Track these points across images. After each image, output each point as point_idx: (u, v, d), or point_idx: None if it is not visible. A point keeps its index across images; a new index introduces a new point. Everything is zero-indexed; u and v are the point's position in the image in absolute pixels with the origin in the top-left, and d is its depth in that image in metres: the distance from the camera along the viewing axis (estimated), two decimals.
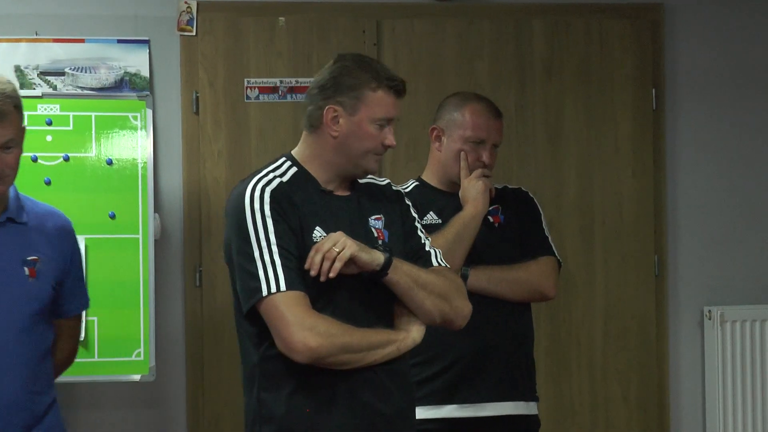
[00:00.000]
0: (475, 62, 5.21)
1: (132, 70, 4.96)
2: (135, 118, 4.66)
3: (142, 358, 4.59)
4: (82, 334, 4.48)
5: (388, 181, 3.18)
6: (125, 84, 4.94)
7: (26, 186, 4.37)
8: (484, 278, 3.68)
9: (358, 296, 2.95)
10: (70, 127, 4.61)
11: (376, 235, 3.02)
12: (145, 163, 4.65)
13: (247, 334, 2.98)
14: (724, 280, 5.37)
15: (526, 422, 3.80)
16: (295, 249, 2.89)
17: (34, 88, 4.84)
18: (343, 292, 2.92)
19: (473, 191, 3.69)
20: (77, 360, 4.43)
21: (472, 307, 3.07)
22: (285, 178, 2.98)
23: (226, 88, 5.06)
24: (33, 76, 4.89)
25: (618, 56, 5.29)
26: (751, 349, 5.27)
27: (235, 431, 4.98)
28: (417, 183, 3.83)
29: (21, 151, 3.18)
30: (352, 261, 2.87)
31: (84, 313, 4.42)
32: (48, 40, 4.91)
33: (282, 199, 2.92)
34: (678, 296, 5.35)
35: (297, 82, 5.08)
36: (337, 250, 2.85)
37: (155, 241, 4.68)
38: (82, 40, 4.94)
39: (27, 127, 4.45)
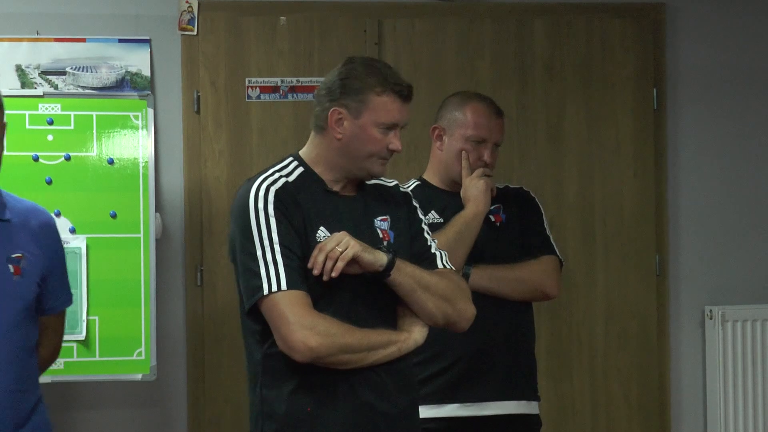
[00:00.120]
0: (476, 62, 5.21)
1: (133, 70, 4.96)
2: (136, 117, 4.66)
3: (143, 357, 4.59)
4: (83, 334, 4.50)
5: (396, 182, 3.18)
6: (126, 83, 4.94)
7: (27, 185, 4.45)
8: (485, 277, 3.67)
9: (361, 296, 2.95)
10: (71, 127, 4.61)
11: (381, 236, 3.03)
12: (146, 162, 4.65)
13: (250, 331, 2.98)
14: (725, 279, 5.37)
15: (528, 422, 3.79)
16: (298, 248, 2.89)
17: (36, 88, 4.85)
18: (345, 293, 2.93)
19: (474, 190, 3.69)
20: (78, 359, 4.49)
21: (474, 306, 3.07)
22: (291, 178, 2.98)
23: (227, 87, 5.06)
24: (34, 75, 4.89)
25: (619, 56, 5.29)
26: (753, 349, 5.27)
27: (235, 430, 4.98)
28: (418, 182, 3.82)
29: (3, 149, 3.16)
30: (355, 261, 2.88)
31: (85, 312, 4.48)
32: (49, 40, 4.92)
33: (286, 198, 2.92)
34: (679, 296, 5.35)
35: (298, 81, 5.08)
36: (340, 249, 2.86)
37: (156, 240, 4.68)
38: (83, 40, 4.94)
39: (29, 127, 4.54)
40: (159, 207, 4.88)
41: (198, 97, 5.03)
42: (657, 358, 5.31)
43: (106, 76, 4.93)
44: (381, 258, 2.91)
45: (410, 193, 3.19)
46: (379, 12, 5.18)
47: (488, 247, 3.73)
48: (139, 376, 4.61)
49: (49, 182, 4.56)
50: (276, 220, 2.89)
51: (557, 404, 5.19)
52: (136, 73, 4.97)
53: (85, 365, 4.54)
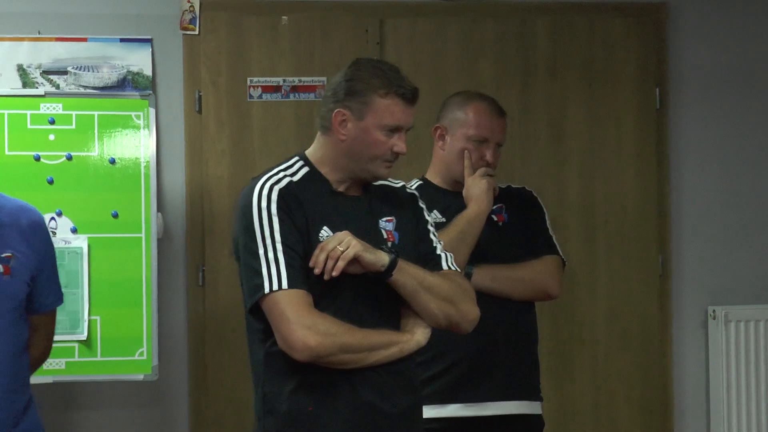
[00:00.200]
0: (478, 61, 5.21)
1: (134, 69, 4.97)
2: (138, 117, 4.65)
3: (144, 357, 4.58)
4: (85, 334, 4.49)
5: (403, 183, 3.19)
6: (128, 83, 4.95)
7: (29, 185, 4.46)
8: (488, 277, 3.66)
9: (363, 297, 2.95)
10: (73, 126, 4.60)
11: (385, 236, 3.02)
12: (147, 162, 4.64)
13: (253, 330, 2.98)
14: (728, 279, 5.36)
15: (530, 422, 3.78)
16: (300, 248, 2.89)
17: (37, 87, 4.86)
18: (347, 292, 2.92)
19: (477, 190, 3.68)
20: (80, 359, 4.48)
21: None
22: (296, 178, 2.98)
23: (229, 87, 5.05)
24: (36, 75, 4.90)
25: (622, 55, 5.29)
26: (756, 350, 5.26)
27: (237, 430, 4.98)
28: (420, 182, 3.81)
29: None
30: (356, 261, 2.88)
31: (86, 312, 4.47)
32: (50, 39, 4.92)
33: (289, 198, 2.92)
34: (682, 296, 5.34)
35: (300, 81, 5.08)
36: (342, 249, 2.86)
37: (158, 240, 4.67)
38: (84, 39, 4.94)
39: (30, 127, 4.53)
40: (160, 207, 4.87)
41: (199, 96, 5.03)
42: (660, 358, 5.31)
43: (107, 75, 4.94)
44: (383, 258, 2.91)
45: (417, 194, 3.18)
46: (380, 11, 5.18)
47: (491, 247, 3.71)
48: (140, 376, 4.60)
49: (51, 182, 4.55)
50: (279, 219, 2.89)
51: (560, 404, 5.18)
52: (137, 73, 4.97)
53: (87, 365, 4.53)
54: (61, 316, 4.40)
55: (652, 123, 5.30)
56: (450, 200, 3.72)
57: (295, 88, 5.08)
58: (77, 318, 4.51)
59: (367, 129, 2.98)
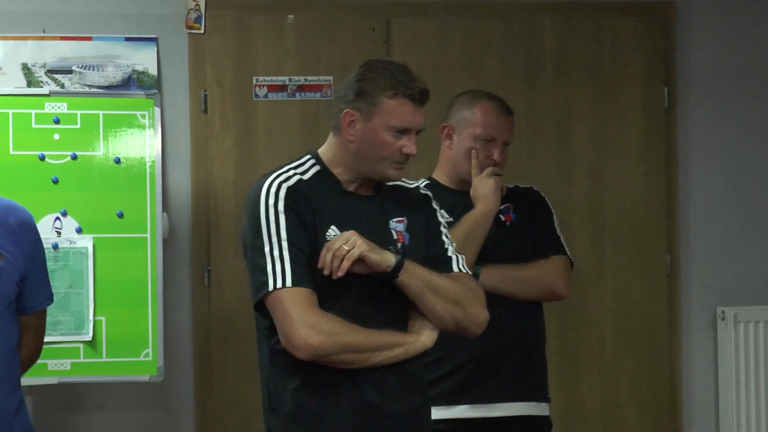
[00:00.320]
0: (484, 60, 5.20)
1: (140, 68, 4.97)
2: (143, 116, 4.63)
3: (150, 358, 4.56)
4: (90, 334, 4.48)
5: (417, 183, 3.19)
6: (133, 82, 4.95)
7: (33, 185, 4.47)
8: (495, 277, 3.65)
9: (368, 297, 2.94)
10: (78, 126, 4.59)
11: (395, 237, 3.02)
12: (153, 161, 4.63)
13: (260, 327, 2.99)
14: (737, 280, 5.35)
15: (538, 423, 3.77)
16: (306, 246, 2.89)
17: (42, 86, 4.85)
18: (352, 292, 2.92)
19: (484, 189, 3.67)
20: (85, 360, 4.47)
21: None
22: (306, 176, 2.98)
23: (235, 86, 5.05)
24: (40, 74, 4.89)
25: (629, 54, 5.28)
26: (765, 351, 5.25)
27: (242, 431, 4.96)
28: (427, 182, 3.79)
29: None
30: (362, 261, 2.87)
31: (92, 312, 4.47)
32: (55, 38, 4.92)
33: (297, 196, 2.92)
34: (690, 297, 5.34)
35: (306, 80, 5.07)
36: (347, 248, 2.85)
37: (163, 240, 4.65)
38: (89, 38, 4.94)
39: (35, 126, 4.53)
40: (166, 207, 4.86)
41: (205, 96, 5.03)
42: (668, 359, 5.30)
43: (112, 74, 4.94)
44: (389, 259, 2.91)
45: (431, 195, 3.17)
46: (387, 10, 5.17)
47: (498, 246, 3.70)
48: (146, 377, 4.58)
49: (56, 182, 4.54)
50: (285, 216, 2.89)
51: (567, 406, 5.17)
52: (142, 72, 4.97)
53: (92, 366, 4.52)
54: (66, 316, 4.43)
55: (660, 123, 5.29)
56: (457, 200, 3.70)
57: (301, 88, 5.07)
58: (82, 319, 4.50)
59: (375, 130, 2.97)
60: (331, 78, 5.07)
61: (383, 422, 2.94)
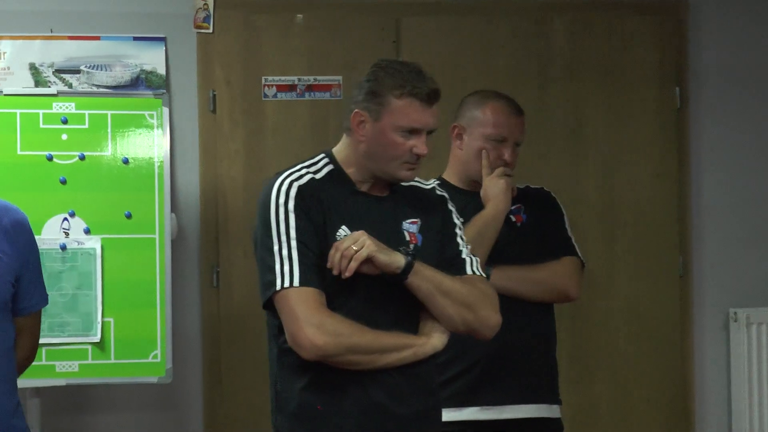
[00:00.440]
0: (494, 60, 5.20)
1: (148, 68, 4.97)
2: (151, 116, 4.63)
3: (158, 359, 4.55)
4: (98, 336, 4.48)
5: (434, 184, 3.18)
6: (141, 82, 4.95)
7: (41, 185, 4.48)
8: (505, 278, 3.63)
9: (377, 298, 2.93)
10: (86, 126, 4.58)
11: (408, 238, 3.01)
12: (161, 162, 4.62)
13: (270, 325, 2.99)
14: (750, 281, 5.33)
15: (549, 425, 3.76)
16: (315, 246, 2.88)
17: (49, 86, 4.85)
18: (360, 293, 2.91)
19: (495, 190, 3.65)
20: (93, 362, 4.47)
21: None
22: (318, 175, 2.98)
23: (243, 86, 5.05)
24: (48, 73, 4.90)
25: (641, 54, 5.27)
26: None
27: None
28: (438, 182, 3.77)
29: None
30: (370, 261, 2.86)
31: (100, 314, 4.46)
32: (63, 38, 4.92)
33: (308, 195, 2.92)
34: (703, 298, 5.32)
35: (315, 80, 5.07)
36: (355, 248, 2.85)
37: (172, 241, 4.65)
38: (97, 38, 4.94)
39: (42, 126, 4.52)
40: (174, 207, 4.86)
41: (214, 95, 5.03)
42: (680, 361, 5.29)
43: (120, 74, 4.94)
44: (398, 260, 2.89)
45: (447, 196, 3.16)
46: (396, 10, 5.17)
47: (509, 247, 3.68)
48: (154, 379, 4.57)
49: (64, 182, 4.53)
50: (295, 215, 2.89)
51: (579, 408, 5.15)
52: (151, 72, 4.97)
53: (100, 368, 4.51)
54: (74, 318, 4.43)
55: (672, 123, 5.28)
56: (468, 200, 3.68)
57: (310, 87, 5.07)
58: (90, 320, 4.49)
59: (384, 130, 2.96)
60: (340, 78, 5.06)
61: (390, 424, 2.93)
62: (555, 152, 5.21)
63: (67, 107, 4.56)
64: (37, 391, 4.51)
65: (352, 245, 2.84)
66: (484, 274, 3.10)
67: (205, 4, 5.02)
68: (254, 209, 2.99)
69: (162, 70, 4.97)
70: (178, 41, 5.01)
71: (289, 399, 2.93)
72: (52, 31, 4.92)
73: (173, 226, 4.68)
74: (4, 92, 4.57)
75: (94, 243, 4.52)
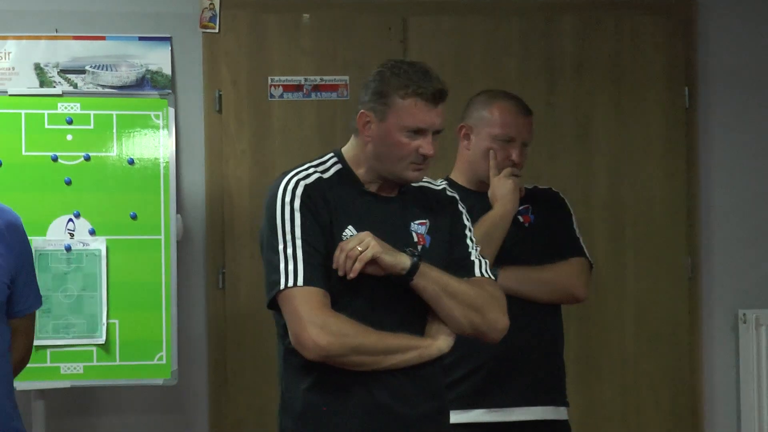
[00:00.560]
0: (503, 60, 5.18)
1: (153, 68, 4.96)
2: (157, 116, 4.63)
3: (164, 361, 4.56)
4: (103, 338, 4.48)
5: (444, 185, 3.16)
6: (147, 82, 4.94)
7: (46, 186, 4.49)
8: (513, 279, 3.61)
9: (383, 300, 2.92)
10: (91, 126, 4.58)
11: (416, 239, 3.00)
12: (167, 162, 4.62)
13: (277, 325, 2.98)
14: (759, 282, 5.31)
15: (556, 428, 3.74)
16: (321, 245, 2.87)
17: (54, 86, 4.85)
18: (366, 294, 2.90)
19: (502, 190, 3.64)
20: (98, 364, 4.47)
21: None
22: (326, 175, 2.97)
23: (250, 86, 5.03)
24: (53, 74, 4.89)
25: (650, 54, 5.25)
26: None
27: None
28: (445, 183, 3.76)
29: None
30: (375, 262, 2.85)
31: (105, 315, 4.45)
32: (68, 38, 4.92)
33: (315, 194, 2.91)
34: (711, 299, 5.30)
35: (322, 80, 5.06)
36: (360, 249, 2.84)
37: (177, 242, 4.65)
38: (102, 38, 4.94)
39: (48, 127, 4.52)
40: (180, 208, 4.85)
41: (219, 96, 5.02)
42: (689, 363, 5.27)
43: (126, 74, 4.93)
44: (403, 261, 2.88)
45: (457, 197, 3.15)
46: (404, 9, 5.16)
47: (516, 248, 3.67)
48: (159, 381, 4.57)
49: (69, 183, 4.53)
50: (301, 215, 2.88)
51: (586, 410, 5.14)
52: (156, 72, 4.96)
53: (105, 370, 4.51)
54: (79, 319, 4.43)
55: (681, 122, 5.26)
56: (475, 201, 3.66)
57: (316, 87, 5.06)
58: (95, 322, 4.49)
59: (390, 130, 2.94)
60: (347, 78, 5.05)
61: (394, 425, 2.91)
62: (563, 152, 5.19)
63: (72, 107, 4.56)
64: (42, 393, 4.50)
65: (357, 246, 2.83)
66: (493, 277, 3.07)
67: (211, 3, 5.01)
68: (260, 210, 2.99)
69: (167, 70, 4.96)
70: (183, 41, 5.01)
71: (294, 399, 2.93)
72: (57, 31, 4.91)
73: (179, 227, 4.68)
74: (9, 92, 4.58)
75: (99, 244, 4.51)
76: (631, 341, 5.23)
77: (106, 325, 4.48)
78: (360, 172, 2.99)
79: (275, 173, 3.09)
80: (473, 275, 3.03)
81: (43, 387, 4.45)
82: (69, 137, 4.54)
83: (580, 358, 5.11)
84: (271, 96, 5.04)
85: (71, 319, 4.43)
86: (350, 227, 2.90)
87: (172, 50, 4.98)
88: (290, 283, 2.83)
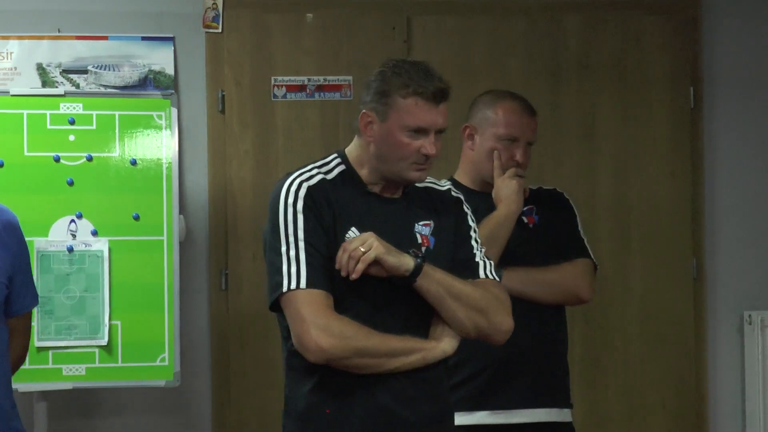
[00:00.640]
0: (507, 59, 5.18)
1: (156, 68, 4.96)
2: (159, 117, 4.62)
3: (166, 363, 4.54)
4: (105, 339, 4.48)
5: (449, 185, 3.14)
6: (149, 82, 4.94)
7: (48, 187, 4.49)
8: (517, 280, 3.59)
9: (386, 302, 2.90)
10: (93, 127, 4.57)
11: (420, 241, 2.98)
12: (169, 163, 4.61)
13: (280, 327, 2.97)
14: (764, 284, 5.30)
15: (560, 430, 3.72)
16: (324, 247, 2.86)
17: (57, 87, 4.84)
18: (369, 296, 2.89)
19: (507, 190, 3.63)
20: (100, 365, 4.47)
21: None
22: (330, 176, 2.96)
23: (253, 86, 5.03)
24: (55, 74, 4.89)
25: (655, 53, 5.24)
26: None
27: None
28: (449, 183, 3.74)
29: None
30: (378, 263, 2.84)
31: (107, 317, 4.44)
32: (71, 38, 4.92)
33: (318, 196, 2.89)
34: (717, 300, 5.29)
35: (325, 80, 5.05)
36: (363, 250, 2.82)
37: (180, 243, 4.64)
38: (105, 38, 4.94)
39: (50, 127, 4.51)
40: (183, 209, 4.85)
41: (223, 96, 5.01)
42: (694, 364, 5.26)
43: (128, 74, 4.93)
44: (407, 262, 2.87)
45: (462, 197, 3.13)
46: (408, 9, 5.15)
47: (520, 249, 3.66)
48: (162, 382, 4.56)
49: (71, 183, 4.52)
50: (304, 216, 2.87)
51: (591, 412, 5.13)
52: (159, 72, 4.95)
53: (107, 371, 4.50)
54: (81, 320, 4.42)
55: (687, 122, 5.26)
56: (479, 201, 3.65)
57: (320, 88, 5.05)
58: (98, 323, 4.48)
59: (391, 130, 2.93)
60: (350, 78, 5.04)
61: (397, 428, 2.90)
62: (567, 153, 5.19)
63: (74, 108, 4.55)
64: (44, 395, 4.50)
65: (360, 246, 2.82)
66: (498, 278, 3.06)
67: (214, 3, 5.00)
68: (263, 211, 2.98)
69: (170, 70, 4.96)
70: (186, 41, 5.00)
71: (297, 401, 2.92)
72: (59, 31, 4.91)
73: (181, 228, 4.67)
74: (11, 93, 4.58)
75: (101, 245, 4.50)
76: (635, 342, 5.21)
77: (108, 326, 4.47)
78: (363, 172, 2.98)
79: (278, 174, 3.07)
80: (478, 276, 3.01)
81: (45, 388, 4.44)
82: (71, 138, 4.53)
83: (584, 359, 5.12)
84: (275, 96, 5.03)
85: (73, 321, 4.43)
86: (353, 229, 2.89)
87: (175, 50, 4.97)
88: (293, 285, 2.82)
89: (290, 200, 2.88)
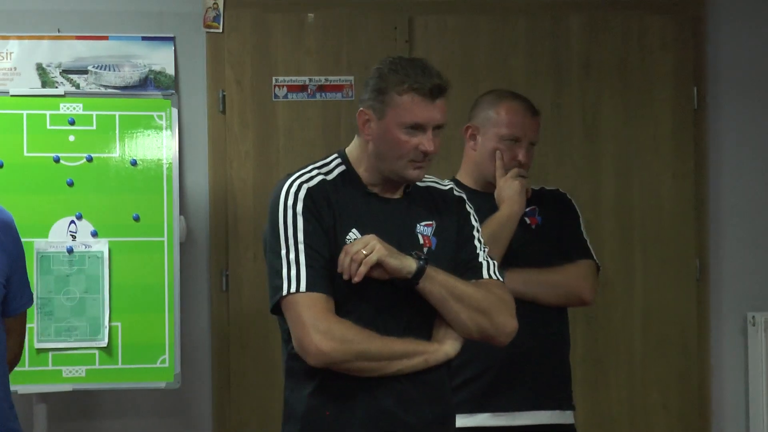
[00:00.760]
0: (510, 59, 5.17)
1: (157, 68, 4.95)
2: (160, 117, 4.62)
3: (166, 364, 4.54)
4: (105, 340, 4.48)
5: (451, 185, 3.12)
6: (150, 82, 4.93)
7: (48, 187, 4.49)
8: (519, 281, 3.58)
9: (388, 305, 2.89)
10: (93, 127, 4.56)
11: (422, 241, 2.97)
12: (170, 163, 4.60)
13: (281, 330, 2.95)
14: None
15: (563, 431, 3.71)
16: (324, 250, 2.85)
17: (57, 87, 4.84)
18: (371, 299, 2.87)
19: (509, 191, 3.61)
20: (100, 367, 4.47)
21: None
22: (330, 177, 2.94)
23: (254, 86, 5.02)
24: (55, 74, 4.88)
25: (658, 53, 5.23)
26: None
27: None
28: (452, 183, 3.73)
29: None
30: (380, 266, 2.82)
31: (107, 318, 4.43)
32: (71, 38, 4.91)
33: (318, 197, 2.88)
34: (720, 302, 5.28)
35: (326, 80, 5.05)
36: (365, 252, 2.81)
37: (180, 244, 4.63)
38: (105, 38, 4.93)
39: (50, 127, 4.51)
40: (183, 209, 4.84)
41: (223, 96, 5.00)
42: (697, 366, 5.25)
43: (129, 74, 4.92)
44: (409, 264, 2.85)
45: (465, 197, 3.11)
46: (409, 8, 5.14)
47: (523, 250, 3.64)
48: (162, 384, 4.56)
49: (71, 184, 4.51)
50: (304, 218, 2.85)
51: (593, 413, 5.13)
52: (159, 72, 4.95)
53: (108, 373, 4.49)
54: (81, 322, 4.42)
55: (690, 122, 5.25)
56: (481, 202, 3.62)
57: (321, 88, 5.04)
58: (98, 324, 4.47)
59: (388, 128, 2.91)
60: (352, 78, 5.03)
61: (398, 431, 2.88)
62: (571, 152, 5.18)
63: (74, 108, 4.55)
64: (44, 397, 4.49)
65: (362, 249, 2.80)
66: (501, 278, 3.04)
67: (214, 3, 5.00)
68: (264, 212, 2.96)
69: (171, 71, 4.95)
70: (187, 41, 5.00)
71: (298, 404, 2.90)
72: (59, 31, 4.90)
73: (182, 229, 4.66)
74: (11, 93, 4.58)
75: (101, 246, 4.50)
76: (638, 344, 5.21)
77: (108, 327, 4.46)
78: (363, 173, 2.96)
79: (279, 174, 3.06)
80: (481, 277, 2.99)
81: (45, 390, 4.44)
82: (71, 138, 4.53)
83: (587, 361, 5.11)
84: (276, 96, 5.02)
85: (73, 322, 4.42)
86: (354, 230, 2.88)
87: (175, 50, 4.97)
88: (293, 288, 2.80)
89: (290, 202, 2.86)
